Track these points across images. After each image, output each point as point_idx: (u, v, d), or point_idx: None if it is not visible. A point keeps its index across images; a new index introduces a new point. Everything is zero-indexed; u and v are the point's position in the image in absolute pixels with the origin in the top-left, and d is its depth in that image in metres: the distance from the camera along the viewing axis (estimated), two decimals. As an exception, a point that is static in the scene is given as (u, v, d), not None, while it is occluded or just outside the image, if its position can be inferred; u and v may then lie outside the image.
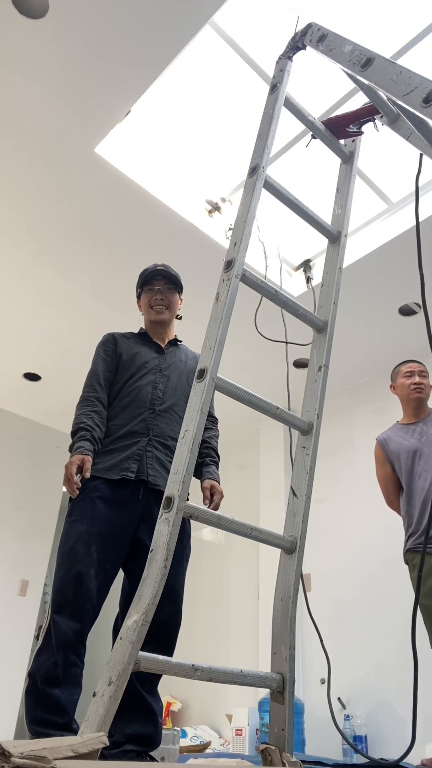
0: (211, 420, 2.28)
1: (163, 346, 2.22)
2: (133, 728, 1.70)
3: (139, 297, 2.29)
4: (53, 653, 1.64)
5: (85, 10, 2.41)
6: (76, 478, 1.79)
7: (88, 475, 1.81)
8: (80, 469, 1.81)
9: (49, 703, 1.61)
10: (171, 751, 2.17)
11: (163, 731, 2.03)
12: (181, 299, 2.30)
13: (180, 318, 2.35)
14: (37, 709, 1.62)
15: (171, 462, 1.92)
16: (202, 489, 2.04)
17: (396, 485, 2.92)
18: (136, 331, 2.30)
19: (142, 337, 2.24)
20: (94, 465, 1.88)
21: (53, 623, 1.69)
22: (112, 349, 2.17)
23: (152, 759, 1.71)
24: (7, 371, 4.68)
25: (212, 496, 2.01)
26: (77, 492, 1.81)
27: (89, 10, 2.41)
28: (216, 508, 1.99)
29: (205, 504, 2.00)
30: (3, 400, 5.08)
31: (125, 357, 2.14)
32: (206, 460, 2.14)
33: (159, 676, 1.78)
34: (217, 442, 2.22)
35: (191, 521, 1.92)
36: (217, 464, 2.15)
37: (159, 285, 2.23)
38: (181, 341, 2.30)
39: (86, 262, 3.62)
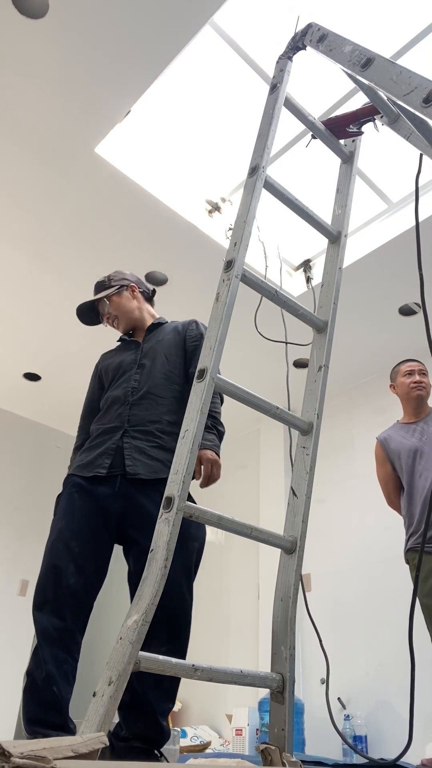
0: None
1: (141, 340, 2.20)
2: (138, 727, 1.68)
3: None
4: (38, 651, 1.64)
5: (85, 10, 2.41)
6: None
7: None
8: None
9: (44, 701, 1.60)
10: (171, 752, 2.17)
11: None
12: (126, 290, 2.25)
13: (150, 295, 2.33)
14: (34, 708, 1.60)
15: (156, 447, 1.89)
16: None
17: (396, 484, 2.92)
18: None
19: (123, 342, 2.27)
20: (72, 464, 1.94)
21: (35, 621, 1.68)
22: (95, 372, 2.24)
23: (160, 755, 1.70)
24: (7, 371, 4.68)
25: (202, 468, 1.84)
26: None
27: (89, 10, 2.41)
28: (208, 479, 1.83)
29: (196, 478, 1.85)
30: (3, 400, 5.08)
31: (108, 372, 2.17)
32: None
33: (170, 680, 1.74)
34: (217, 409, 2.01)
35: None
36: (213, 431, 1.93)
37: (100, 309, 2.26)
38: (164, 322, 2.25)
39: (86, 262, 3.62)
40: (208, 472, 1.83)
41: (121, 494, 1.84)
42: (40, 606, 1.69)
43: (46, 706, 1.59)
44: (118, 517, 1.83)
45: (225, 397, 2.02)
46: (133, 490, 1.84)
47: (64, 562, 1.72)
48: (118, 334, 2.35)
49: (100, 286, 2.29)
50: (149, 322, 2.25)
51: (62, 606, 1.67)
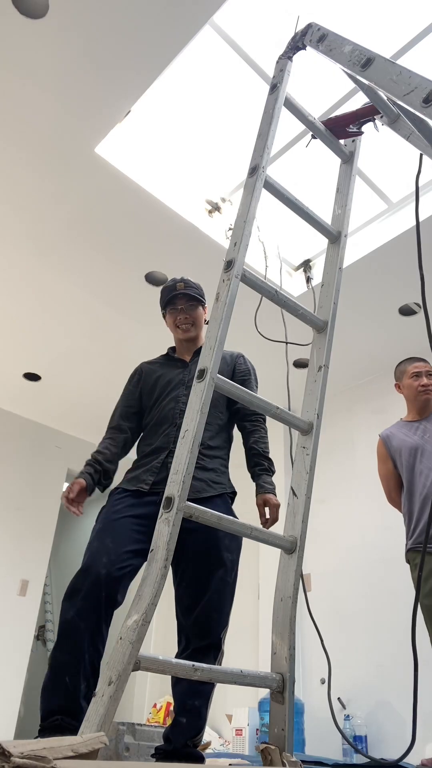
0: (256, 418, 2.19)
1: (188, 359, 2.24)
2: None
3: (164, 315, 2.32)
4: (59, 640, 1.69)
5: (85, 10, 2.41)
6: (66, 501, 1.91)
7: (71, 495, 1.92)
8: (70, 491, 1.92)
9: (55, 691, 1.63)
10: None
11: (162, 730, 2.03)
12: (205, 309, 2.32)
13: (207, 323, 2.37)
14: (49, 700, 1.63)
15: (198, 468, 1.93)
16: (257, 506, 2.00)
17: (397, 482, 2.92)
18: (165, 349, 2.38)
19: (167, 357, 2.31)
20: (122, 480, 2.02)
21: (62, 610, 1.73)
22: (136, 380, 2.27)
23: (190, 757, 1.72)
24: (7, 371, 4.68)
25: (268, 511, 1.98)
26: (75, 511, 1.92)
27: (89, 10, 2.41)
28: (274, 522, 1.97)
29: (261, 522, 1.98)
30: (3, 400, 5.08)
31: (149, 383, 2.21)
32: (255, 470, 2.08)
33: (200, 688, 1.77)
34: (265, 444, 2.13)
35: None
36: (269, 471, 2.07)
37: (181, 304, 2.25)
38: None
39: (86, 262, 3.62)
40: (276, 517, 1.98)
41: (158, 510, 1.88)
42: (69, 596, 1.74)
43: (61, 695, 1.62)
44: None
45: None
46: None
47: (97, 556, 1.76)
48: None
49: (193, 288, 2.29)
50: (200, 344, 2.30)
51: (89, 596, 1.70)
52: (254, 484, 2.07)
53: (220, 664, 1.83)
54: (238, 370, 2.23)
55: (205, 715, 1.78)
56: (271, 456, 2.12)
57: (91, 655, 1.67)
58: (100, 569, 1.72)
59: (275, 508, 1.99)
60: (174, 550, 1.05)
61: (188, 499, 1.83)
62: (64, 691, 1.61)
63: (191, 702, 1.75)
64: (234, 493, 2.07)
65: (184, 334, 2.25)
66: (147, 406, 2.17)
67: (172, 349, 2.33)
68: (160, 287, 3.71)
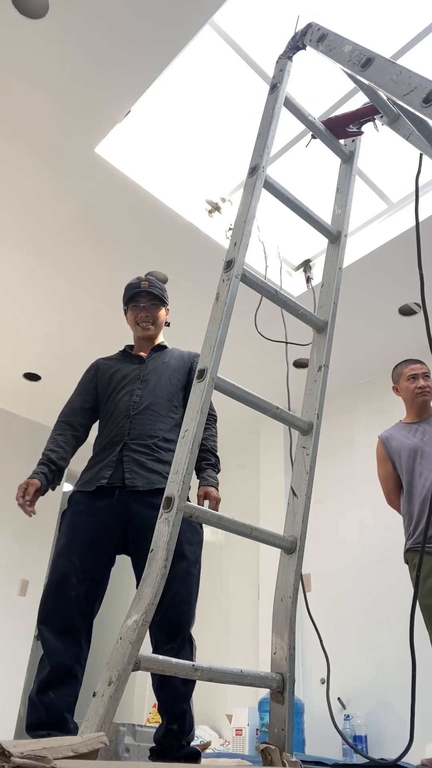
0: (209, 418, 2.23)
1: (145, 356, 2.26)
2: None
3: (126, 312, 2.34)
4: (44, 662, 1.73)
5: (85, 11, 2.41)
6: (21, 501, 1.93)
7: (27, 497, 1.93)
8: (25, 492, 1.93)
9: (42, 708, 1.67)
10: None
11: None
12: (167, 309, 2.36)
13: (168, 325, 2.41)
14: (33, 715, 1.68)
15: (153, 460, 1.96)
16: (198, 497, 2.01)
17: (397, 483, 2.92)
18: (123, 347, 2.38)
19: (124, 354, 2.32)
20: (77, 481, 2.03)
21: (39, 633, 1.79)
22: (91, 375, 2.29)
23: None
24: (7, 371, 4.68)
25: (207, 504, 1.99)
26: (28, 511, 1.94)
27: (89, 11, 2.41)
28: None
29: None
30: (3, 400, 5.08)
31: (105, 378, 2.23)
32: (202, 464, 2.10)
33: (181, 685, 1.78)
34: (214, 442, 2.18)
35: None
36: (213, 466, 2.11)
37: (144, 302, 2.28)
38: (166, 346, 2.32)
39: (86, 262, 3.62)
40: (214, 509, 1.96)
41: (119, 505, 1.90)
42: (43, 619, 1.78)
43: (43, 712, 1.66)
44: (121, 529, 1.89)
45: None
46: (131, 501, 1.90)
47: (65, 576, 1.79)
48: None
49: (158, 288, 2.31)
50: (157, 343, 2.32)
51: (64, 617, 1.75)
52: (198, 476, 2.10)
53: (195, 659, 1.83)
54: (193, 369, 2.23)
55: (191, 715, 1.79)
56: (217, 454, 2.16)
57: (75, 670, 1.72)
58: (69, 590, 1.77)
59: (215, 501, 1.99)
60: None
61: (141, 491, 1.88)
62: (47, 707, 1.66)
63: (179, 707, 1.75)
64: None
65: (143, 332, 2.28)
66: (102, 400, 2.19)
67: (130, 347, 2.35)
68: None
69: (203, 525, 1.96)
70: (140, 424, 2.04)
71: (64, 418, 2.23)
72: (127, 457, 1.97)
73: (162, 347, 2.31)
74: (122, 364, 2.25)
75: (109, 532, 1.88)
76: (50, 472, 2.04)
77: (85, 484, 1.97)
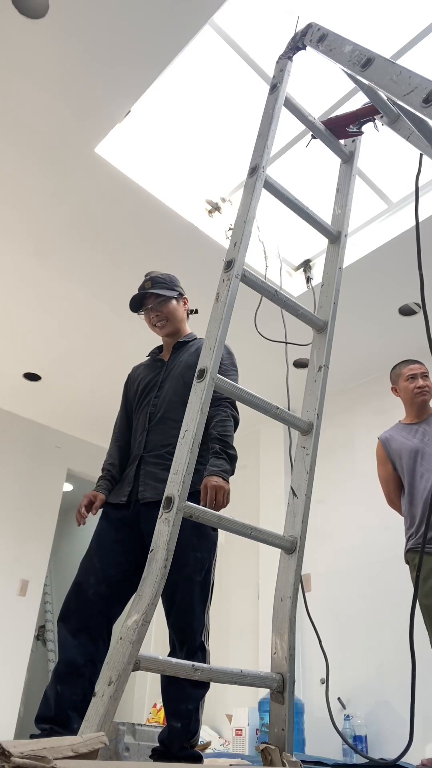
0: (219, 403, 2.00)
1: (167, 357, 2.22)
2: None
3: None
4: (58, 656, 1.78)
5: (85, 10, 2.41)
6: (83, 510, 1.98)
7: (94, 512, 1.99)
8: (91, 504, 1.99)
9: (50, 702, 1.70)
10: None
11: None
12: (182, 299, 2.28)
13: (196, 312, 2.36)
14: (41, 708, 1.71)
15: (164, 469, 1.93)
16: (201, 488, 1.87)
17: (397, 484, 2.92)
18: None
19: (152, 357, 2.31)
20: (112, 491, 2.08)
21: (57, 630, 1.84)
22: (125, 388, 2.30)
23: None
24: (7, 371, 4.68)
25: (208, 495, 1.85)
26: (82, 521, 1.99)
27: (89, 10, 2.41)
28: (216, 507, 1.82)
29: (202, 505, 1.87)
30: (3, 400, 5.08)
31: (133, 390, 2.24)
32: (208, 454, 1.95)
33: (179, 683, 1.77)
34: (222, 427, 1.96)
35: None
36: (217, 453, 1.90)
37: (150, 303, 2.22)
38: (189, 340, 2.24)
39: (86, 262, 3.62)
40: (212, 499, 1.84)
41: (134, 517, 1.93)
42: (62, 616, 1.82)
43: (46, 706, 1.70)
44: (138, 540, 1.91)
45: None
46: (144, 512, 1.92)
47: (85, 577, 1.85)
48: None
49: (162, 284, 2.25)
50: (183, 336, 2.26)
51: (83, 615, 1.79)
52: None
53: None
54: None
55: (198, 719, 1.78)
56: (228, 440, 1.95)
57: (84, 669, 1.73)
58: (88, 589, 1.81)
59: (213, 490, 1.83)
60: (173, 550, 1.05)
61: (151, 501, 1.88)
62: (55, 701, 1.69)
63: (184, 707, 1.74)
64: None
65: (161, 331, 2.24)
66: (133, 412, 2.21)
67: (159, 348, 2.32)
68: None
69: (217, 529, 1.94)
70: (156, 435, 2.03)
71: (114, 433, 2.24)
72: (143, 471, 1.99)
73: (184, 343, 2.22)
74: (147, 371, 2.24)
75: (130, 540, 1.91)
76: (112, 485, 2.09)
77: (112, 496, 2.03)
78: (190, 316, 2.37)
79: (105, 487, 2.05)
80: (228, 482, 1.88)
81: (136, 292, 2.27)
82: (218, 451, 1.91)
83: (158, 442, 2.01)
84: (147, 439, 2.04)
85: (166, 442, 1.99)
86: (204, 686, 1.77)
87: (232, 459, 1.92)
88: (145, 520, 1.89)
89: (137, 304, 2.24)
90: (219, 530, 1.83)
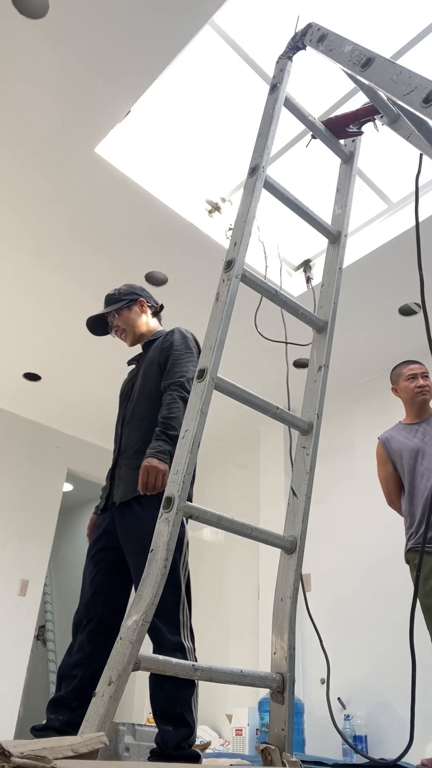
0: (169, 388, 1.98)
1: (141, 360, 2.26)
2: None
3: None
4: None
5: (85, 10, 2.41)
6: (88, 535, 2.08)
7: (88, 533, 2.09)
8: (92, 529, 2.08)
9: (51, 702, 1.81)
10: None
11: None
12: (136, 304, 2.31)
13: (158, 310, 2.39)
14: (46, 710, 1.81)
15: (131, 469, 1.95)
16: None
17: (397, 484, 2.92)
18: None
19: (134, 362, 2.34)
20: None
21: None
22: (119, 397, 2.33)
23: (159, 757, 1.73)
24: (7, 371, 4.68)
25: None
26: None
27: (89, 10, 2.41)
28: (147, 488, 1.81)
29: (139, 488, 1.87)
30: (3, 400, 5.08)
31: (120, 399, 2.28)
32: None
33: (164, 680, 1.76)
34: (168, 410, 1.91)
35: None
36: (158, 436, 1.86)
37: (110, 320, 2.31)
38: (158, 336, 2.24)
39: (86, 262, 3.62)
40: (144, 480, 1.82)
41: (109, 520, 1.98)
42: (72, 632, 1.93)
43: (50, 707, 1.80)
44: (116, 540, 1.94)
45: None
46: (117, 513, 1.96)
47: (83, 580, 1.96)
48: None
49: (110, 299, 2.34)
50: (150, 336, 2.30)
51: (79, 617, 1.90)
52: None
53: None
54: (163, 346, 2.14)
55: (192, 719, 1.74)
56: (171, 421, 1.89)
57: (73, 671, 1.82)
58: (80, 609, 1.91)
59: (145, 470, 1.80)
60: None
61: (121, 503, 1.90)
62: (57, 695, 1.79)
63: (172, 709, 1.72)
64: None
65: (127, 342, 2.32)
66: None
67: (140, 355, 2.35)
68: (161, 287, 3.73)
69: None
70: (127, 437, 2.06)
71: (114, 449, 2.29)
72: (117, 474, 2.03)
73: (151, 341, 2.25)
74: (127, 378, 2.30)
75: (111, 542, 1.96)
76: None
77: (100, 500, 2.10)
78: (160, 313, 2.41)
79: (97, 505, 2.11)
80: (165, 463, 1.82)
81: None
82: (158, 432, 1.89)
83: (129, 443, 2.04)
84: (121, 443, 2.08)
85: (133, 442, 2.02)
86: (190, 685, 1.75)
87: (172, 440, 1.87)
88: (117, 520, 1.94)
89: (103, 328, 2.33)
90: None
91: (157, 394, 2.04)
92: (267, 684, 1.12)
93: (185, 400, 1.91)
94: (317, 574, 4.08)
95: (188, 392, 1.92)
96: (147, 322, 2.32)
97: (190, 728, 1.75)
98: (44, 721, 1.79)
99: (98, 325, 2.35)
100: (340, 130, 1.76)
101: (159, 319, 2.41)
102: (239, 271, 1.31)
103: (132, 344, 2.31)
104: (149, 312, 2.35)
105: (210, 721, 4.26)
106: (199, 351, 2.12)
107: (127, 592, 1.93)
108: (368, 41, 1.43)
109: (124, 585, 1.93)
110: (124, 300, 2.30)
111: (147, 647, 1.27)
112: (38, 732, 1.76)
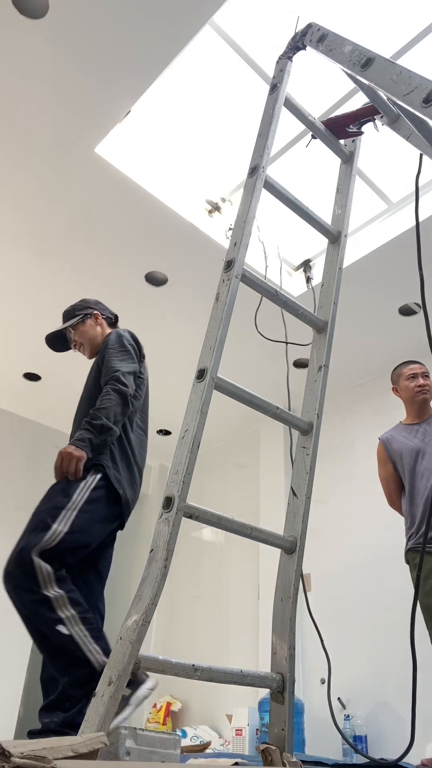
0: (107, 380, 2.04)
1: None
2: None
3: None
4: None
5: (85, 10, 2.41)
6: None
7: None
8: None
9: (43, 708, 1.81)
10: (172, 756, 2.17)
11: (164, 735, 2.02)
12: (90, 317, 2.37)
13: (113, 321, 2.46)
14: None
15: None
16: None
17: (398, 485, 2.92)
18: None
19: None
20: None
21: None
22: None
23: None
24: (7, 371, 4.68)
25: None
26: None
27: (89, 10, 2.41)
28: (57, 471, 1.94)
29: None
30: (3, 400, 5.08)
31: None
32: None
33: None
34: (99, 402, 1.96)
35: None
36: (84, 425, 1.92)
37: (68, 336, 2.38)
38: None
39: (86, 261, 3.61)
40: (57, 465, 1.93)
41: None
42: None
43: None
44: None
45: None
46: None
47: None
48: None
49: (66, 315, 2.42)
50: (97, 348, 2.33)
51: None
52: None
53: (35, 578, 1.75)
54: (101, 348, 2.22)
55: (70, 686, 1.72)
56: (99, 412, 1.94)
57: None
58: None
59: (59, 456, 1.91)
60: (173, 550, 1.05)
61: None
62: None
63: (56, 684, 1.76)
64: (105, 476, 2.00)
65: (85, 355, 2.37)
66: None
67: None
68: (161, 287, 3.73)
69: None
70: (71, 437, 2.09)
71: None
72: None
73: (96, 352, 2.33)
74: None
75: None
76: None
77: None
78: (116, 323, 2.48)
79: None
80: (81, 450, 1.89)
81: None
82: (83, 423, 1.94)
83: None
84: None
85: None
86: (60, 656, 1.73)
87: (96, 428, 1.91)
88: None
89: (63, 344, 2.40)
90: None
91: (96, 393, 2.09)
92: (267, 684, 1.12)
93: (119, 392, 1.99)
94: (317, 574, 4.08)
95: (123, 384, 2.01)
96: (103, 333, 2.37)
97: (75, 675, 1.71)
98: (39, 726, 1.77)
99: (57, 343, 2.42)
100: (340, 130, 1.76)
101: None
102: (239, 271, 1.31)
103: (90, 357, 2.35)
104: (105, 324, 2.42)
105: (210, 721, 4.26)
106: (135, 348, 2.21)
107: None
108: (368, 41, 1.43)
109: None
110: (78, 315, 2.38)
111: (147, 647, 1.27)
112: (36, 735, 1.74)
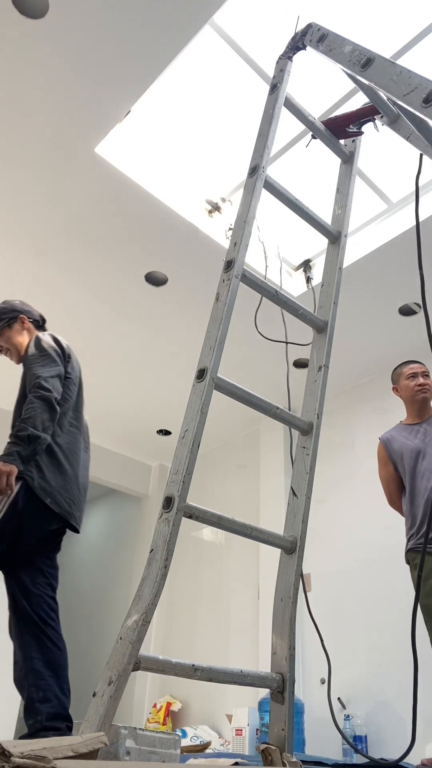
0: (31, 388, 2.07)
1: None
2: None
3: None
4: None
5: (85, 10, 2.41)
6: None
7: None
8: None
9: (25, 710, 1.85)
10: (172, 756, 2.17)
11: (164, 736, 2.02)
12: (16, 322, 2.35)
13: (40, 323, 2.44)
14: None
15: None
16: None
17: (398, 485, 2.92)
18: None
19: None
20: None
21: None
22: None
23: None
24: (7, 371, 4.68)
25: None
26: None
27: (89, 10, 2.41)
28: None
29: None
30: (3, 400, 5.08)
31: None
32: None
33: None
34: (24, 411, 1.96)
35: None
36: (10, 438, 1.92)
37: None
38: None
39: (86, 262, 3.61)
40: None
41: None
42: None
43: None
44: None
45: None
46: None
47: None
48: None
49: None
50: (23, 352, 2.32)
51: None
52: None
53: None
54: (24, 359, 2.23)
55: (37, 688, 1.78)
56: (25, 422, 1.94)
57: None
58: None
59: None
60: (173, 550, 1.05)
61: None
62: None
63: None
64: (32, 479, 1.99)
65: (13, 360, 2.39)
66: None
67: None
68: (161, 287, 3.73)
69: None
70: None
71: None
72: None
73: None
74: None
75: None
76: None
77: None
78: (44, 325, 2.46)
79: None
80: (11, 464, 1.86)
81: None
82: (9, 436, 1.93)
83: None
84: None
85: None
86: (29, 659, 1.81)
87: (22, 440, 1.90)
88: None
89: None
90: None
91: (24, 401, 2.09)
92: (267, 684, 1.12)
93: (43, 399, 2.00)
94: (317, 574, 4.08)
95: (46, 390, 2.02)
96: (30, 337, 2.34)
97: (32, 695, 1.77)
98: (27, 731, 1.76)
99: None
100: (340, 130, 1.76)
101: (44, 331, 2.41)
102: (239, 271, 1.31)
103: (18, 362, 2.32)
104: (32, 327, 2.38)
105: (210, 721, 4.26)
106: (57, 349, 2.19)
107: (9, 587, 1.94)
108: (368, 41, 1.43)
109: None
110: (3, 319, 2.33)
111: (147, 647, 1.27)
112: (31, 737, 1.74)
